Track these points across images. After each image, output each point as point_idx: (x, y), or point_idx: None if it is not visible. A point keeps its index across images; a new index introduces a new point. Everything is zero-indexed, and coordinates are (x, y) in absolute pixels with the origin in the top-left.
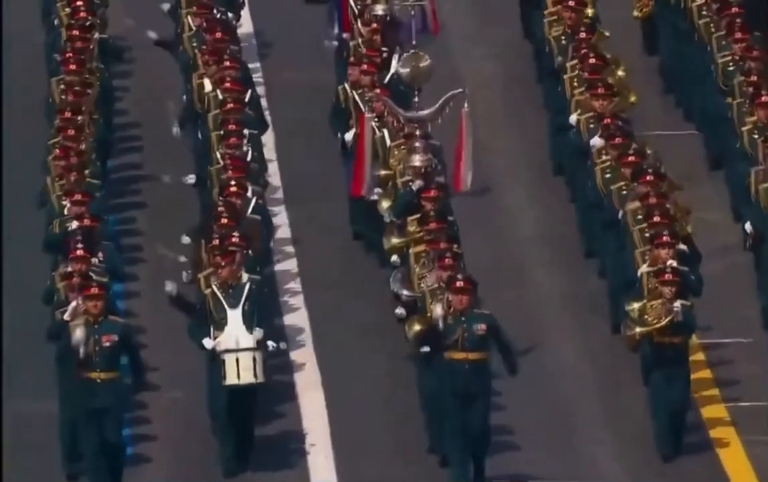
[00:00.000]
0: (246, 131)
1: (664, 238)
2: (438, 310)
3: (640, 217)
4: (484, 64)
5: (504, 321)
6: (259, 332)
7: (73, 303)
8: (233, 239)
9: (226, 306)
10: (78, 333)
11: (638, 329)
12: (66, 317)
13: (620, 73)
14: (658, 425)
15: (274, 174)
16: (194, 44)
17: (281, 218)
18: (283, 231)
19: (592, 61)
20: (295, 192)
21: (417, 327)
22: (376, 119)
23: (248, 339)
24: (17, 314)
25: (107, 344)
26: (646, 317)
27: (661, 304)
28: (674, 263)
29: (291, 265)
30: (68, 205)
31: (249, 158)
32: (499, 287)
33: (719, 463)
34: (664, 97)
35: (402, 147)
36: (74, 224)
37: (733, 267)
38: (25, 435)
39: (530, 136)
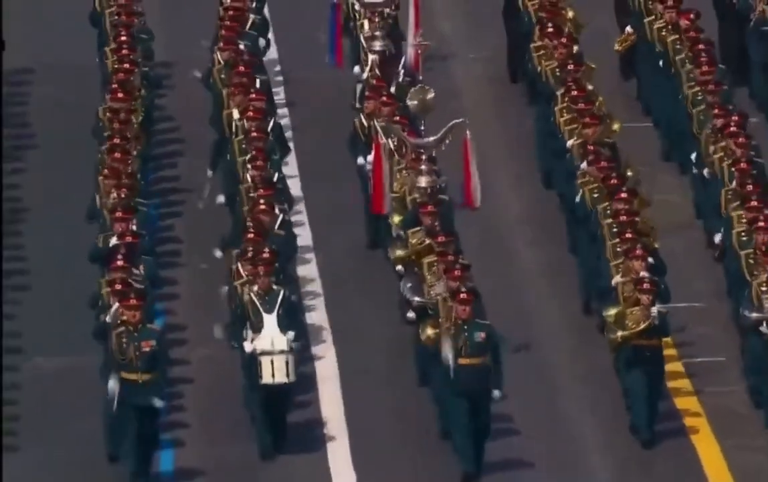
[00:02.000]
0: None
1: (638, 251)
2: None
3: (615, 231)
4: (473, 65)
5: (491, 291)
6: (291, 336)
7: (114, 307)
8: (266, 253)
9: (262, 312)
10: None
11: (620, 334)
12: (108, 319)
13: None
14: (636, 416)
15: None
16: (223, 77)
17: (301, 220)
18: (305, 238)
19: (580, 93)
20: (317, 210)
21: (429, 331)
22: (389, 145)
23: (282, 342)
24: (43, 286)
25: (146, 349)
26: (627, 322)
27: (640, 310)
28: (645, 274)
29: (312, 267)
30: (113, 221)
31: (275, 179)
32: (486, 261)
33: (676, 410)
34: (627, 96)
35: (405, 171)
36: (115, 240)
37: (689, 242)
38: (45, 388)
39: (513, 129)
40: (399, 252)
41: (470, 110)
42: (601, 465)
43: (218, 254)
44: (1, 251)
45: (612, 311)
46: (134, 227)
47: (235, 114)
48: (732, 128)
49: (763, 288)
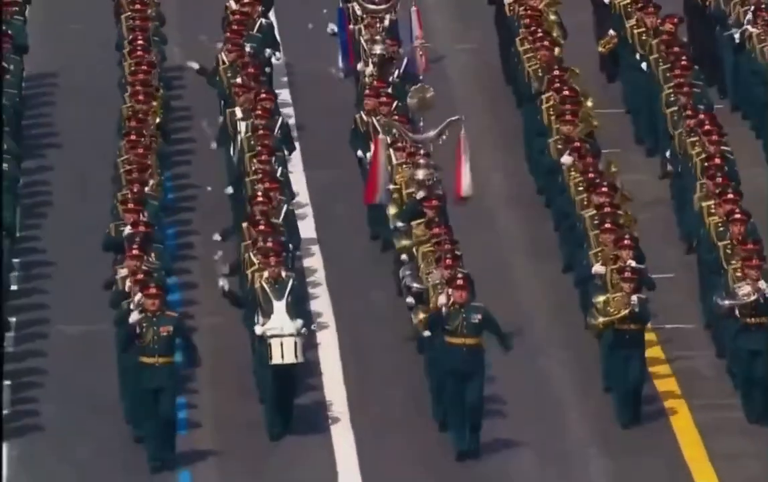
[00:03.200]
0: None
1: (626, 241)
2: (442, 299)
3: (596, 223)
4: (462, 56)
5: (477, 260)
6: (299, 322)
7: (137, 297)
8: (276, 244)
9: (272, 298)
10: (133, 317)
11: (601, 319)
12: (132, 307)
13: (588, 103)
14: (617, 398)
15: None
16: (228, 76)
17: (306, 215)
18: (308, 230)
19: (565, 93)
20: (319, 199)
21: (422, 316)
22: (387, 141)
23: (291, 326)
24: (66, 267)
25: (164, 334)
26: (608, 308)
27: (621, 297)
28: (633, 263)
29: (316, 258)
30: (124, 213)
31: (278, 174)
32: (472, 234)
33: (648, 373)
34: (603, 85)
35: (405, 166)
36: (128, 229)
37: (657, 217)
38: (72, 353)
39: (499, 113)
40: (403, 242)
41: (459, 97)
42: (578, 422)
43: (217, 237)
44: (1, 250)
45: (601, 299)
46: (144, 219)
47: (238, 113)
48: (706, 126)
49: (738, 274)
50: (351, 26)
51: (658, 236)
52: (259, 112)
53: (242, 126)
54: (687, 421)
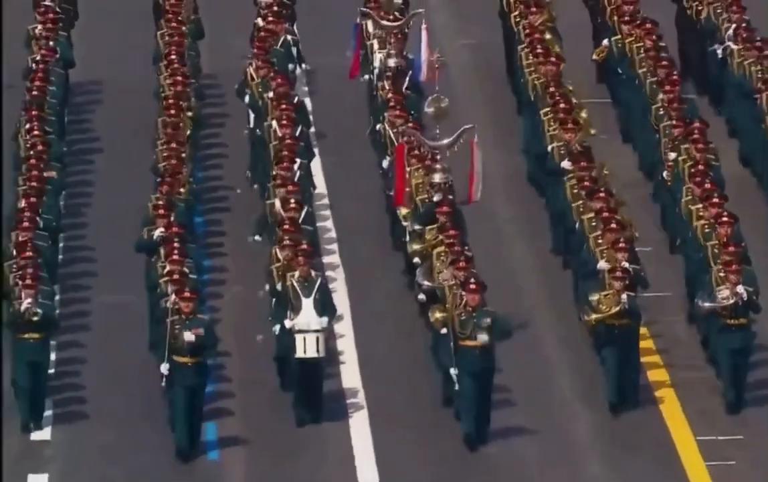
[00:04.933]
0: (297, 160)
1: (621, 244)
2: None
3: (594, 225)
4: (462, 51)
5: (477, 236)
6: (325, 319)
7: (172, 298)
8: (306, 245)
9: (301, 296)
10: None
11: (594, 316)
12: (169, 305)
13: (583, 114)
14: (608, 386)
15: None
16: (260, 90)
17: (326, 214)
18: (329, 231)
19: (562, 105)
20: (337, 197)
21: (437, 315)
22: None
23: (317, 323)
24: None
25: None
26: (601, 306)
27: (613, 295)
28: (626, 264)
29: (335, 255)
30: (155, 216)
31: (297, 178)
32: (472, 212)
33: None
34: (590, 78)
35: (418, 170)
36: (159, 232)
37: (636, 197)
38: (111, 321)
39: (495, 103)
40: (415, 246)
41: (460, 88)
42: (570, 388)
43: (251, 239)
44: (2, 254)
45: (596, 296)
46: (174, 221)
47: (274, 124)
48: (694, 135)
49: (721, 275)
50: (366, 42)
51: (637, 214)
52: (284, 122)
53: (273, 135)
54: (662, 376)
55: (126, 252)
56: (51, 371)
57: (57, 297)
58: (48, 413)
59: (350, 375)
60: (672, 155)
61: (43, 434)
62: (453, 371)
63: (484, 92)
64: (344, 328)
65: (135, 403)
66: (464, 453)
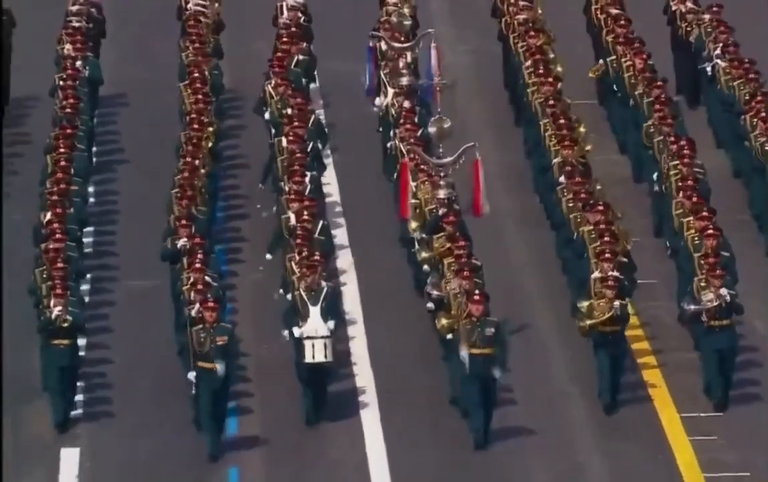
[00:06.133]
0: (307, 173)
1: (607, 255)
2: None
3: (594, 236)
4: (462, 56)
5: (479, 238)
6: (331, 324)
7: (197, 306)
8: (315, 257)
9: (309, 304)
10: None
11: (588, 322)
12: (193, 314)
13: (581, 129)
14: (601, 386)
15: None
16: (279, 107)
17: (340, 222)
18: (342, 238)
19: (561, 122)
20: (352, 205)
21: (444, 321)
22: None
23: (324, 329)
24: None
25: (220, 343)
26: (594, 312)
27: (605, 303)
28: (615, 274)
29: (348, 263)
30: (177, 228)
31: (308, 191)
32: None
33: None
34: (583, 78)
35: (424, 184)
36: (182, 242)
37: (626, 190)
38: (136, 305)
39: (493, 103)
40: (424, 254)
41: (460, 90)
42: (569, 383)
43: (268, 256)
44: (2, 254)
45: (585, 303)
46: (195, 232)
47: (284, 140)
48: (682, 151)
49: (703, 284)
50: (381, 62)
51: (626, 206)
52: (291, 138)
53: (284, 150)
54: (648, 355)
55: (151, 240)
56: (82, 353)
57: (87, 286)
58: (79, 397)
59: (363, 376)
60: (666, 168)
61: (75, 411)
62: (457, 375)
63: (482, 95)
64: (356, 331)
65: (162, 380)
66: (470, 450)
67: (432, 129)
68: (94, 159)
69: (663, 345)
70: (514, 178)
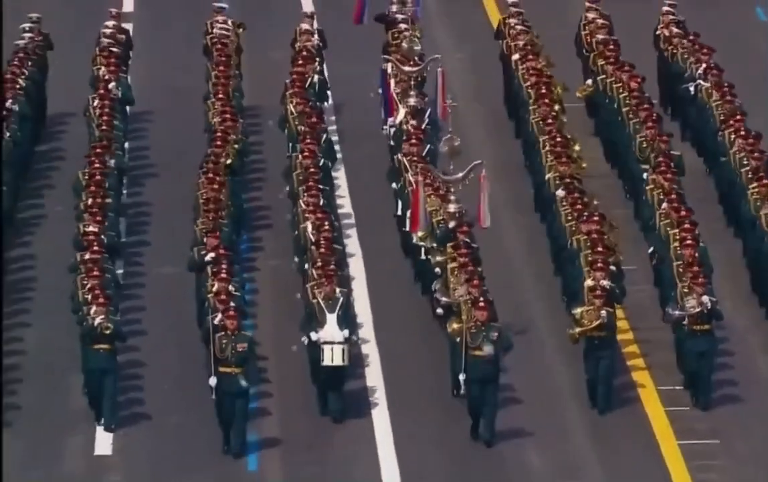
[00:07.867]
0: (320, 186)
1: (599, 264)
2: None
3: (588, 245)
4: (460, 63)
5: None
6: (347, 332)
7: (219, 315)
8: (332, 267)
9: (326, 311)
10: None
11: (577, 329)
12: (216, 322)
13: (576, 147)
14: (591, 390)
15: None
16: (296, 123)
17: (352, 232)
18: (354, 246)
19: (558, 140)
20: (364, 217)
21: (454, 326)
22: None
23: (340, 335)
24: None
25: (240, 349)
26: (583, 320)
27: (594, 311)
28: (605, 283)
29: (359, 269)
30: (206, 238)
31: (321, 203)
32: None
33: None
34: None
35: (431, 198)
36: (210, 256)
37: (607, 187)
38: (165, 290)
39: (489, 103)
40: (438, 258)
41: (459, 91)
42: (567, 386)
43: (294, 265)
44: (2, 254)
45: (578, 310)
46: (220, 243)
47: (300, 156)
48: (661, 167)
49: (686, 291)
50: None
51: (607, 201)
52: (306, 153)
53: (298, 164)
54: (629, 337)
55: (180, 230)
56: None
57: (121, 271)
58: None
59: (373, 375)
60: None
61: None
62: (461, 376)
63: (479, 98)
64: (367, 333)
65: (188, 362)
66: (475, 446)
67: (444, 148)
68: (125, 174)
69: (643, 325)
70: (513, 176)
